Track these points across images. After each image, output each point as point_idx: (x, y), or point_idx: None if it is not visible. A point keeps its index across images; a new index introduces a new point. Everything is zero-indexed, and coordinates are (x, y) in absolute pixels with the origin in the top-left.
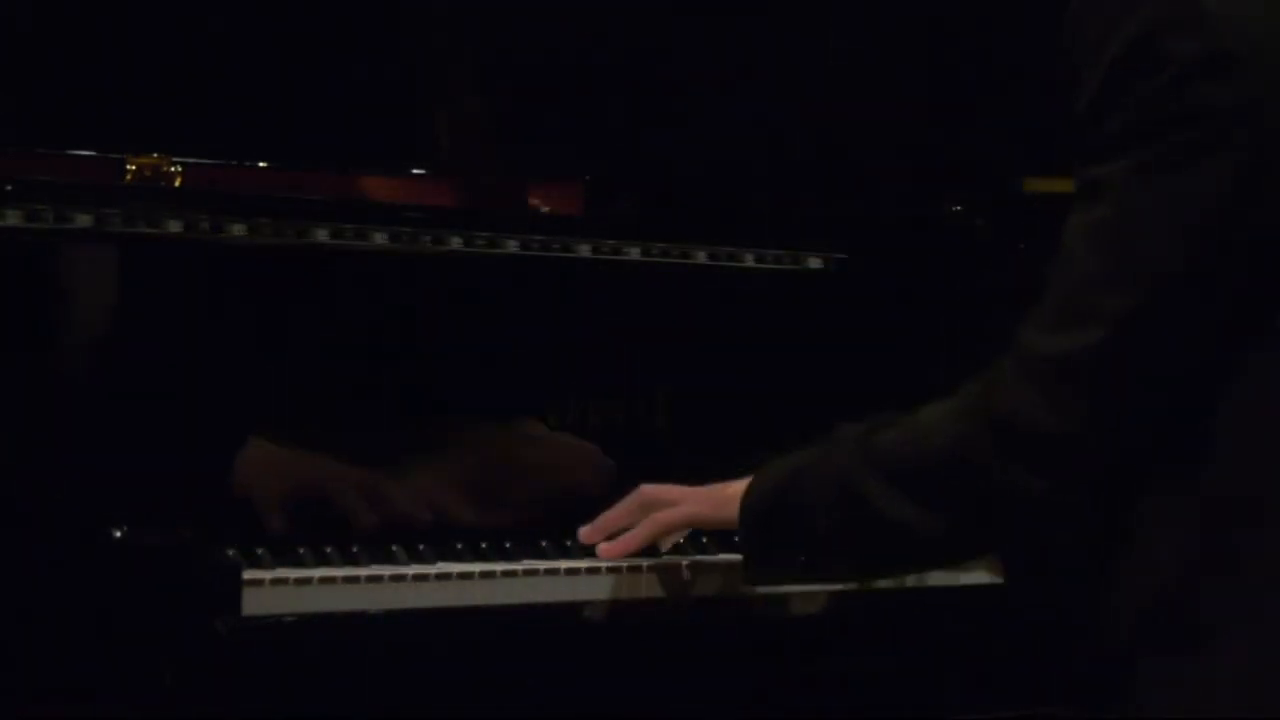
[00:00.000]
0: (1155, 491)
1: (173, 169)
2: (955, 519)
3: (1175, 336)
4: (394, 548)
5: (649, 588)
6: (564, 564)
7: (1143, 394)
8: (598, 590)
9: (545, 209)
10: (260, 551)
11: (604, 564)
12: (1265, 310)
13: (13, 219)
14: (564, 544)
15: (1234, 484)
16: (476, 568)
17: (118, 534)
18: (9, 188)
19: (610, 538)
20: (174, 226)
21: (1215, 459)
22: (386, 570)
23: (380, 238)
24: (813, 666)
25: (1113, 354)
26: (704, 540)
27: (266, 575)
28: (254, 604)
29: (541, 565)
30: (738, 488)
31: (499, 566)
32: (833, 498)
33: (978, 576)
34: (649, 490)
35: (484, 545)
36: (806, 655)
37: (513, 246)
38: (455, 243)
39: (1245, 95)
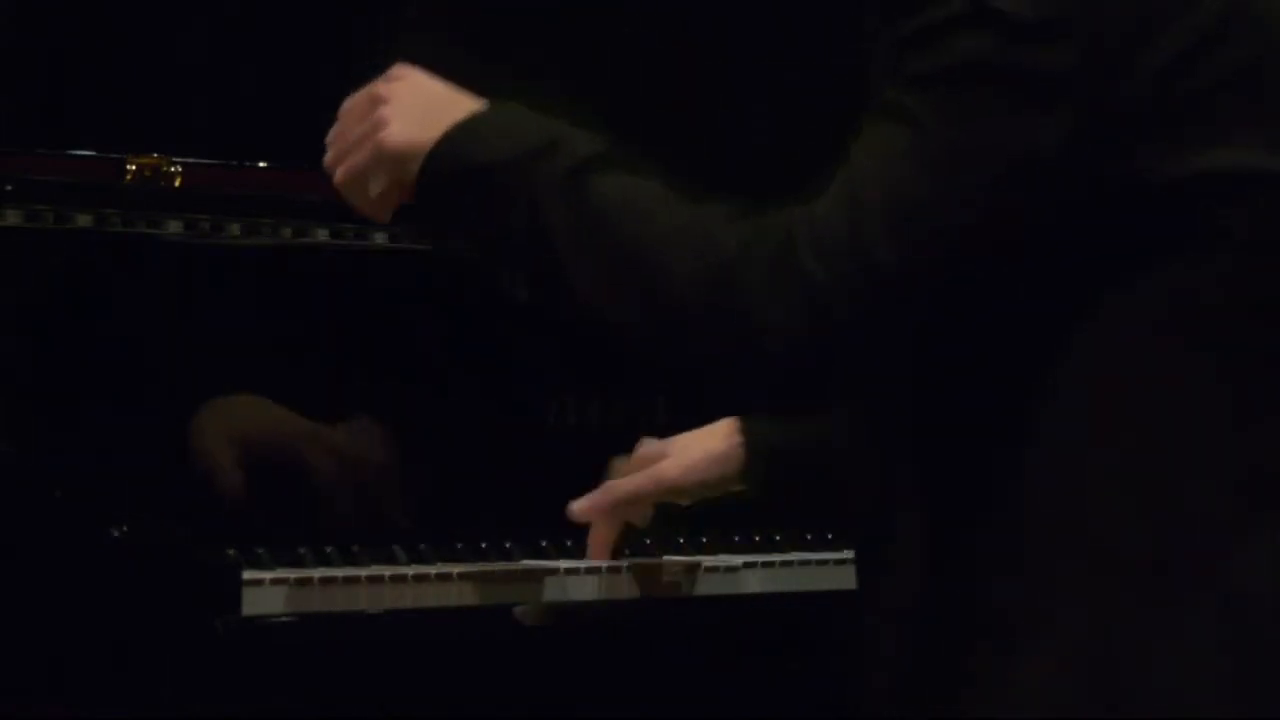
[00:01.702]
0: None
1: (173, 169)
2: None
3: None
4: (394, 548)
5: (651, 587)
6: (564, 564)
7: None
8: (597, 590)
9: None
10: (260, 551)
11: (603, 564)
12: (1078, 290)
13: (13, 219)
14: (564, 544)
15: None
16: (476, 568)
17: (117, 534)
18: (9, 188)
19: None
20: (174, 226)
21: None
22: (386, 570)
23: (380, 238)
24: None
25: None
26: (703, 540)
27: (266, 575)
28: (254, 604)
29: (541, 565)
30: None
31: (499, 567)
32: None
33: None
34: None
35: (484, 545)
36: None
37: None
38: (455, 243)
39: (1071, 63)
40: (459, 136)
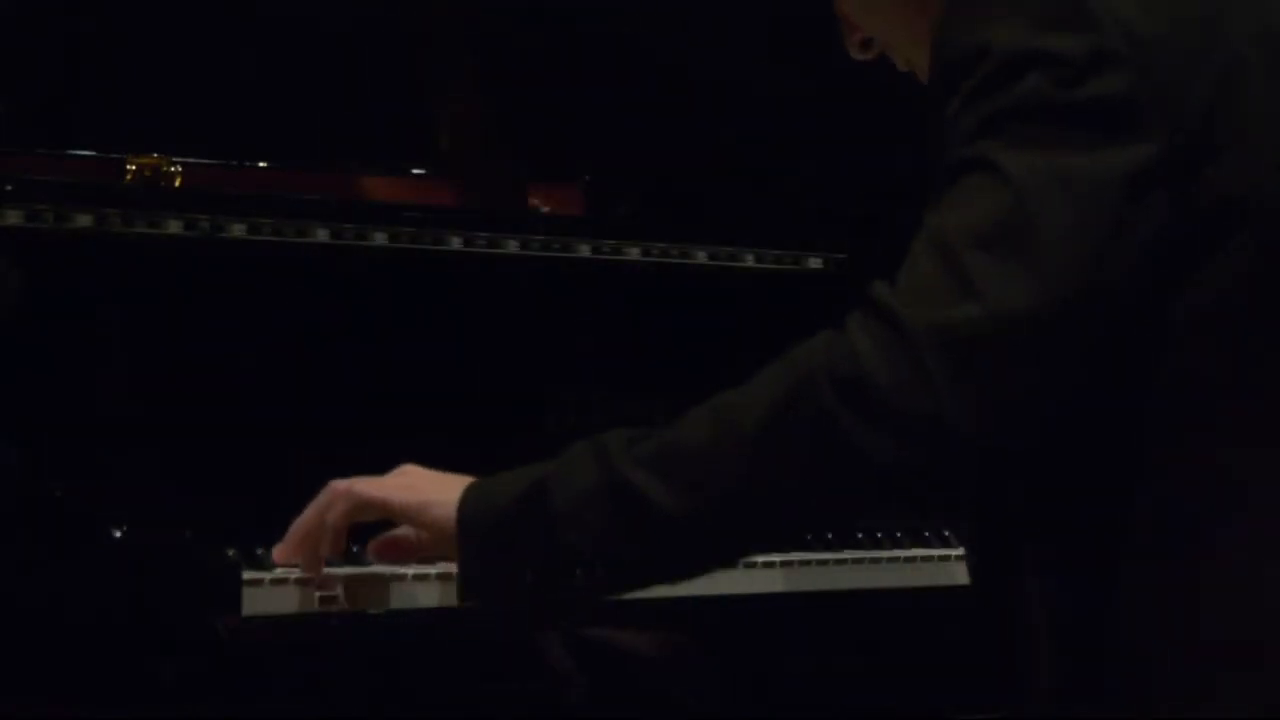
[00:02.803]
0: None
1: (173, 169)
2: (760, 498)
3: (1072, 331)
4: None
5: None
6: None
7: (1033, 384)
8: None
9: (545, 209)
10: (260, 551)
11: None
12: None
13: (13, 219)
14: None
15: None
16: None
17: (118, 534)
18: (9, 188)
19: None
20: (174, 226)
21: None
22: (387, 570)
23: (380, 238)
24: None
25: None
26: None
27: (266, 575)
28: (254, 604)
29: None
30: (444, 508)
31: None
32: (598, 504)
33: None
34: (338, 482)
35: None
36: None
37: (513, 246)
38: (455, 243)
39: (1131, 92)
40: (486, 484)
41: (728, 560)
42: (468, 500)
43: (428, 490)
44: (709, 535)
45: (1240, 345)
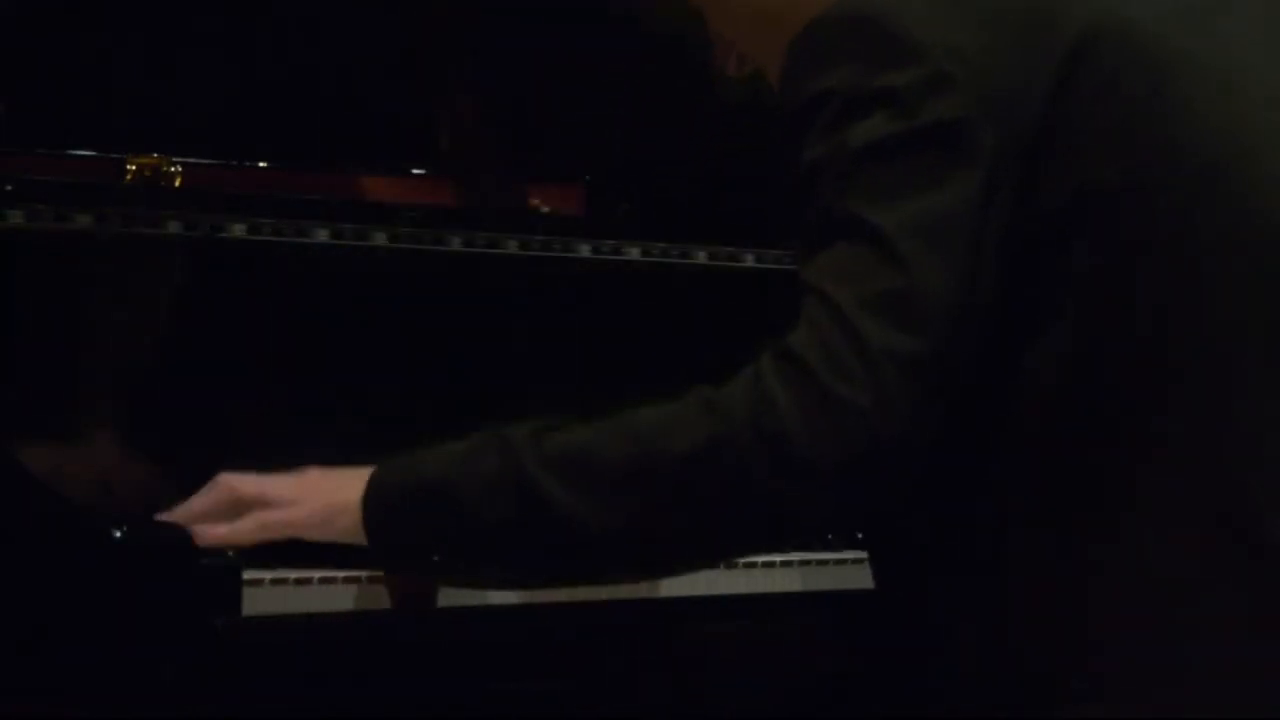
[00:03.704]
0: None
1: (173, 169)
2: (668, 526)
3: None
4: None
5: (650, 587)
6: None
7: (933, 419)
8: (601, 591)
9: (545, 209)
10: (260, 551)
11: None
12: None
13: (13, 219)
14: None
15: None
16: None
17: (118, 534)
18: (9, 188)
19: None
20: (174, 226)
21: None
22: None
23: (380, 238)
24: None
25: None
26: None
27: (266, 575)
28: (254, 604)
29: None
30: (348, 494)
31: None
32: (502, 502)
33: None
34: (234, 481)
35: None
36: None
37: (513, 246)
38: (455, 243)
39: (968, 111)
40: (392, 466)
41: (620, 572)
42: (372, 493)
43: (319, 481)
44: (607, 546)
45: (1100, 336)
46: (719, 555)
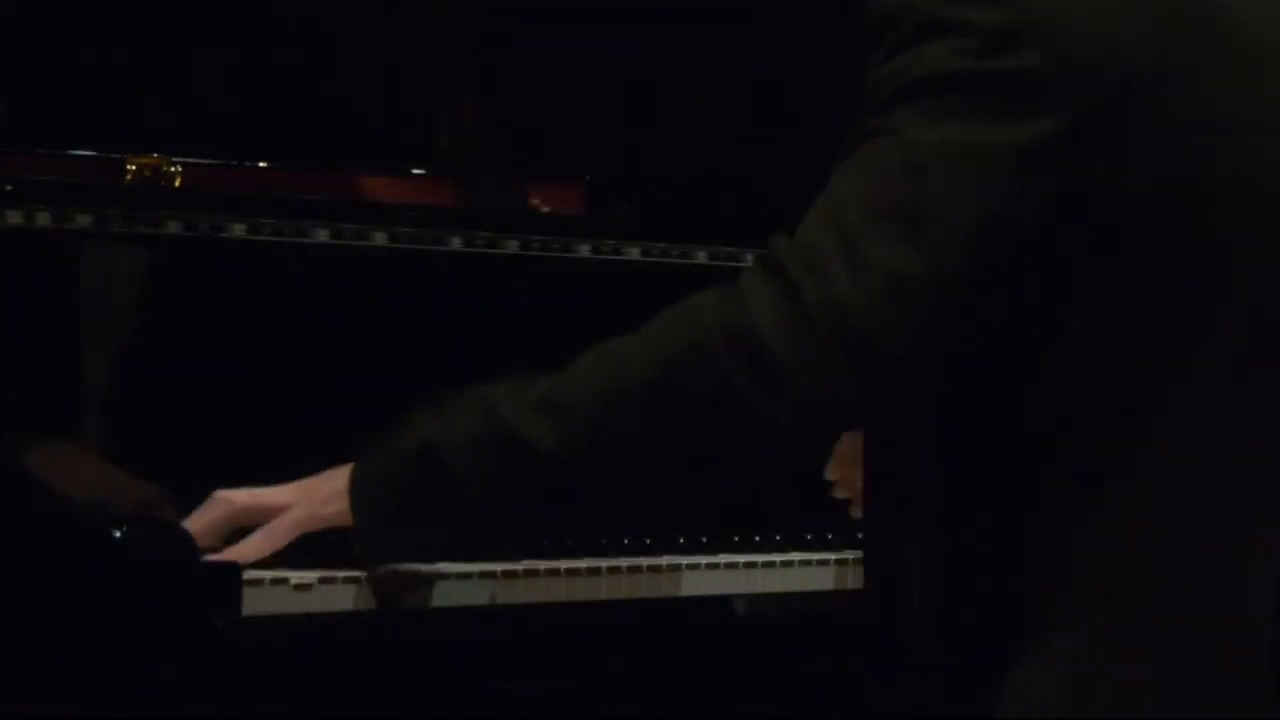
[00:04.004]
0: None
1: (173, 169)
2: (660, 457)
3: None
4: None
5: (650, 587)
6: (564, 564)
7: (913, 353)
8: (601, 590)
9: (545, 209)
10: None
11: (604, 564)
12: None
13: (13, 219)
14: (564, 543)
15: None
16: (475, 568)
17: (118, 534)
18: (9, 188)
19: None
20: (174, 226)
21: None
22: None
23: (380, 238)
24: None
25: (940, 277)
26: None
27: (266, 575)
28: (254, 604)
29: (542, 565)
30: (336, 482)
31: (498, 566)
32: (487, 457)
33: None
34: (229, 495)
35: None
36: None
37: (513, 246)
38: (455, 243)
39: (1039, 66)
40: (374, 448)
41: (615, 509)
42: (358, 472)
43: (310, 481)
44: (594, 480)
45: (1126, 332)
46: (706, 474)
